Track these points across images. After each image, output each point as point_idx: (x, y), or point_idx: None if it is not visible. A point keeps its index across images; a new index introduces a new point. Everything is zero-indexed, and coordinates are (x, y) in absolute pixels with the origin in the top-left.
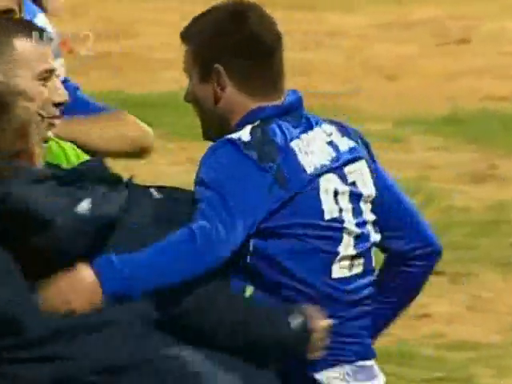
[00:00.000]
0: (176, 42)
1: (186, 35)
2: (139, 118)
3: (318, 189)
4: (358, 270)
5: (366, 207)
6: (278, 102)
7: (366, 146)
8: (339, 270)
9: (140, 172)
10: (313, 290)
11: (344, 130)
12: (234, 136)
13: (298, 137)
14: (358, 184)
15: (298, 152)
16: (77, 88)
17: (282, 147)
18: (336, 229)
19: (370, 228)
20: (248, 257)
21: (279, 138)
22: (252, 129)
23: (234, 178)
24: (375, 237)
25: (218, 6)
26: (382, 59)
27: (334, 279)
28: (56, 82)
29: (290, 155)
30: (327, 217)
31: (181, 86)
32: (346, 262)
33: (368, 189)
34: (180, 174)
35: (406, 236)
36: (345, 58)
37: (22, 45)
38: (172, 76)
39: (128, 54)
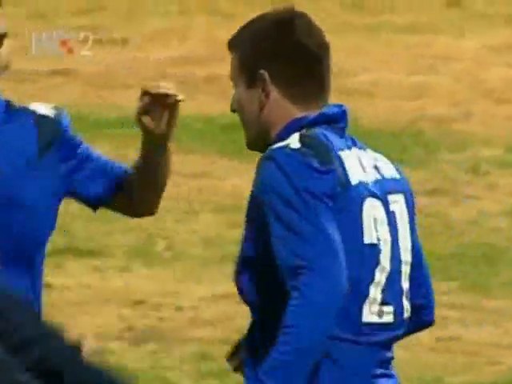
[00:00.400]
0: None
1: (233, 43)
2: (241, 141)
3: (361, 207)
4: (388, 318)
5: (403, 244)
6: (319, 111)
7: (411, 192)
8: (369, 315)
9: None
10: (342, 330)
11: (390, 162)
12: (284, 144)
13: (342, 148)
14: (397, 216)
15: (344, 161)
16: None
17: (334, 152)
18: (371, 258)
19: (403, 269)
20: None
21: (330, 143)
22: (300, 136)
23: (302, 192)
24: (406, 284)
25: (266, 14)
26: (494, 82)
27: (364, 324)
28: None
29: (339, 162)
30: (367, 240)
31: None
32: (376, 308)
33: (405, 225)
34: None
35: (416, 291)
36: (456, 82)
37: None
38: None
39: None
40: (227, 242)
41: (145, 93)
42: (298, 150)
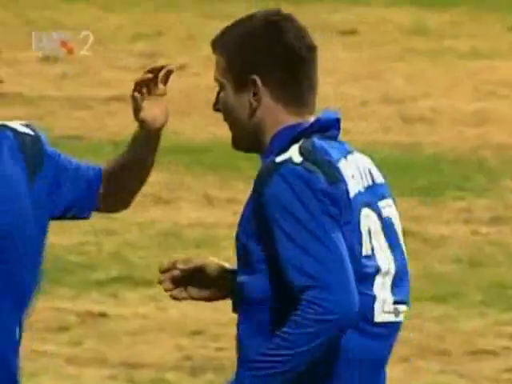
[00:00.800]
0: (348, 91)
1: (220, 44)
2: None
3: (359, 219)
4: (402, 317)
5: (402, 247)
6: (312, 118)
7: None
8: (382, 314)
9: None
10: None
11: (376, 167)
12: (286, 157)
13: (339, 159)
14: (393, 221)
15: (343, 172)
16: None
17: (335, 165)
18: (370, 267)
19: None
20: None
21: (330, 156)
22: (300, 149)
23: (311, 209)
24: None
25: (252, 16)
26: None
27: (377, 323)
28: None
29: (339, 174)
30: (364, 252)
31: (348, 137)
32: (390, 307)
33: (399, 229)
34: None
35: None
36: None
37: None
38: (342, 126)
39: None
40: None
41: (136, 87)
42: (301, 164)
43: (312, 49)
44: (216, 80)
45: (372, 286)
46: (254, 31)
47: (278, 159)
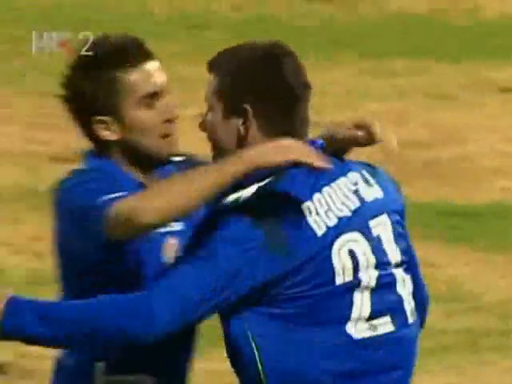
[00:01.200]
0: (507, 149)
1: (216, 66)
2: (461, 228)
3: (330, 251)
4: (386, 328)
5: (393, 260)
6: None
7: (395, 206)
8: (358, 333)
9: (458, 282)
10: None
11: (374, 177)
12: (235, 197)
13: (311, 195)
14: (383, 239)
15: (307, 215)
16: None
17: (288, 213)
18: (348, 291)
19: (394, 280)
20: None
21: (287, 203)
22: (258, 190)
23: (221, 244)
24: (403, 290)
25: (254, 46)
26: None
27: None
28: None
29: (297, 219)
30: (339, 281)
31: (507, 196)
32: (365, 325)
33: (391, 245)
34: (508, 289)
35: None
36: None
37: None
38: (501, 185)
39: (456, 162)
40: (444, 332)
41: None
42: (242, 206)
43: (307, 87)
44: (205, 99)
45: (350, 305)
46: (254, 62)
47: (230, 198)
